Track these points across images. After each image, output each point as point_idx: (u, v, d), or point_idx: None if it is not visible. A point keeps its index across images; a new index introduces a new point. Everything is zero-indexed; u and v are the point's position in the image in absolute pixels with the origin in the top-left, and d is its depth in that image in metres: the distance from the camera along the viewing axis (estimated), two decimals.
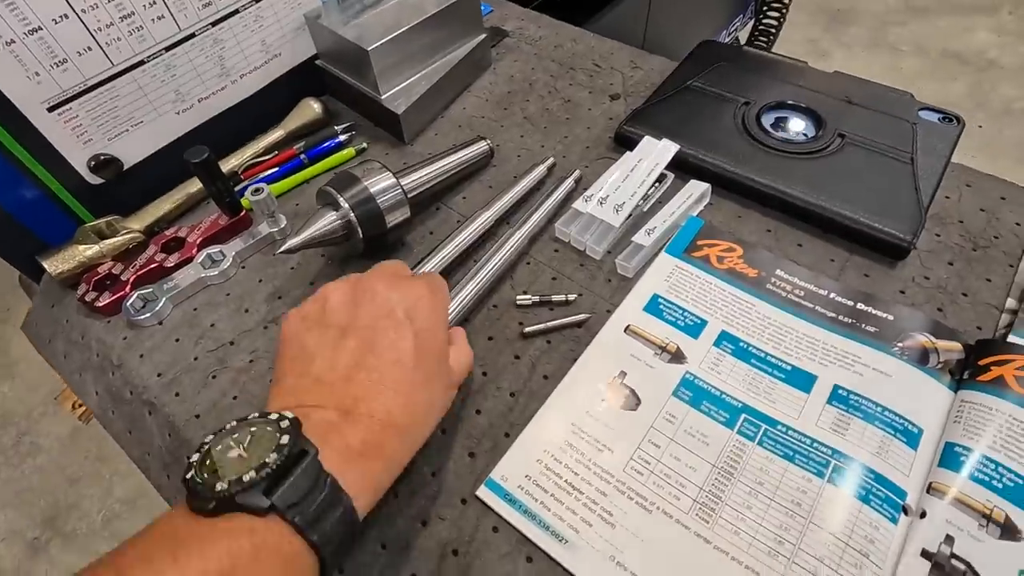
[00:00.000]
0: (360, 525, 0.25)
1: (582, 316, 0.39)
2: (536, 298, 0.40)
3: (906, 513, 0.30)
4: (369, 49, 0.47)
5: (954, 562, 0.28)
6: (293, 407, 0.26)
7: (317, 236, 0.39)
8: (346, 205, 0.40)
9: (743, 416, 0.34)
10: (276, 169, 0.49)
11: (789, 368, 0.36)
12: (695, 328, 0.38)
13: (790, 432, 0.33)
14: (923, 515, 0.30)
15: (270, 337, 0.40)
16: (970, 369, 0.34)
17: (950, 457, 0.31)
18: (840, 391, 0.34)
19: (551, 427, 0.35)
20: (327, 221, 0.40)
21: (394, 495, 0.33)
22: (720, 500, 0.31)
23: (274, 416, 0.25)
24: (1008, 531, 0.29)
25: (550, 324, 0.39)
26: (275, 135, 0.51)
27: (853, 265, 0.41)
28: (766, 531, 0.30)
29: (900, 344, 0.36)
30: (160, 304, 0.41)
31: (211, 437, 0.25)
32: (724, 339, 0.38)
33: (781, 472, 0.32)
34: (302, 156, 0.50)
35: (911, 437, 0.32)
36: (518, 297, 0.40)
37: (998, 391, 0.33)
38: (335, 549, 0.24)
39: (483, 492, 0.32)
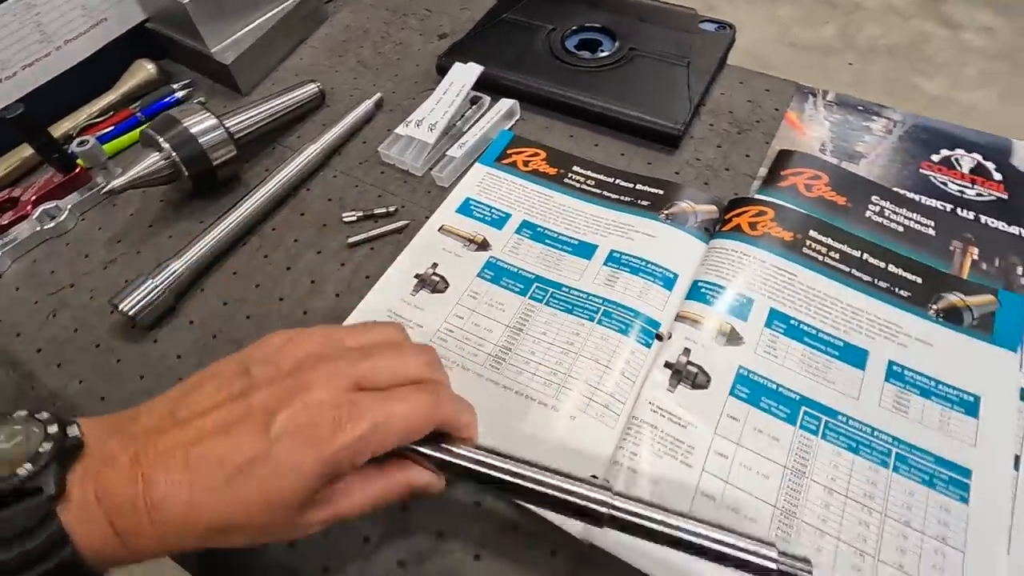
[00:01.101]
0: None
1: (401, 223, 0.43)
2: (360, 213, 0.44)
3: (660, 339, 0.36)
4: (185, 2, 0.49)
5: (689, 367, 0.34)
6: (127, 417, 0.25)
7: (142, 175, 0.42)
8: (167, 146, 0.42)
9: (535, 285, 0.39)
10: (112, 128, 0.51)
11: (576, 242, 0.41)
12: (500, 221, 0.43)
13: (571, 291, 0.39)
14: (670, 337, 0.36)
15: (110, 276, 0.42)
16: (719, 223, 0.41)
17: (695, 291, 0.38)
18: (615, 254, 0.40)
19: (369, 314, 0.39)
20: (151, 161, 0.42)
21: None
22: (510, 351, 0.36)
23: (52, 430, 0.23)
24: (733, 338, 0.35)
25: (372, 233, 0.43)
26: (109, 98, 0.52)
27: (639, 156, 0.47)
28: (544, 368, 0.35)
29: (666, 212, 0.42)
30: None
31: None
32: (524, 226, 0.43)
33: (561, 323, 0.37)
34: (139, 114, 0.52)
35: (667, 281, 0.39)
36: (344, 215, 0.44)
37: (735, 235, 0.39)
38: None
39: None
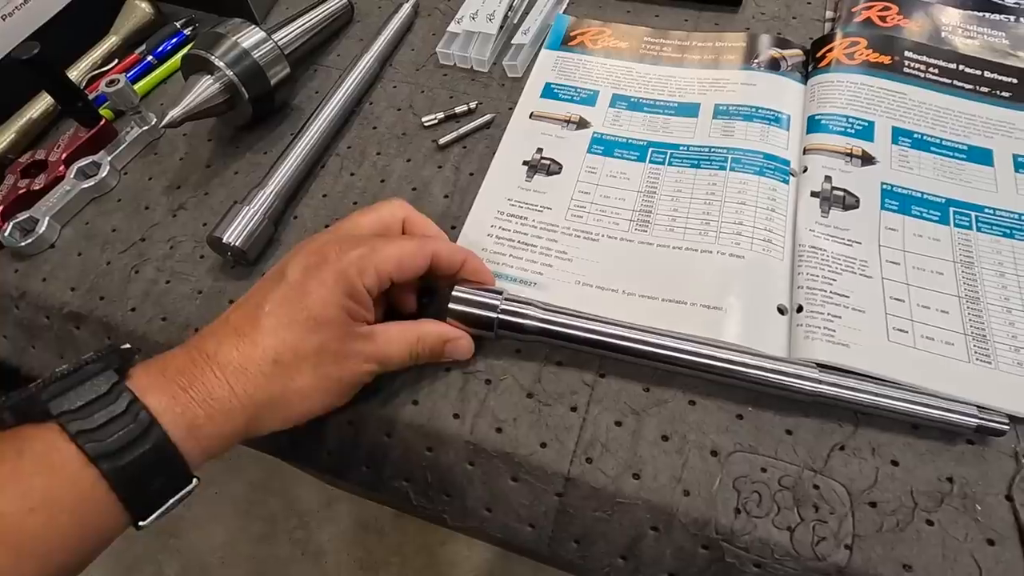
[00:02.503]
0: (171, 451, 0.22)
1: (488, 116, 0.41)
2: (441, 115, 0.41)
3: (793, 175, 0.36)
4: None
5: (835, 192, 0.35)
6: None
7: (199, 104, 0.37)
8: (221, 64, 0.38)
9: (650, 149, 0.38)
10: (125, 75, 0.45)
11: (676, 104, 0.40)
12: (590, 99, 0.41)
13: (691, 148, 0.38)
14: (805, 170, 0.36)
15: (183, 222, 0.38)
16: (812, 64, 0.41)
17: (813, 124, 0.37)
18: (720, 107, 0.39)
19: (491, 207, 0.37)
20: (205, 86, 0.38)
21: None
22: (651, 213, 0.35)
23: (108, 342, 0.26)
24: (867, 160, 0.36)
25: (460, 131, 0.40)
26: (109, 42, 0.46)
27: (704, 19, 0.46)
28: (694, 220, 0.35)
29: (756, 61, 0.41)
30: (44, 227, 0.37)
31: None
32: (617, 100, 0.41)
33: (692, 178, 0.37)
34: (149, 58, 0.46)
35: (781, 122, 0.38)
36: (424, 119, 0.41)
37: (834, 69, 0.39)
38: (126, 468, 0.21)
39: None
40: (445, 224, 0.36)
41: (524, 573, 1.08)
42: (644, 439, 0.29)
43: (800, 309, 0.31)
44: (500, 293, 0.30)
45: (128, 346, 0.25)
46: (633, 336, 0.29)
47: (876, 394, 0.27)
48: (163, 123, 0.36)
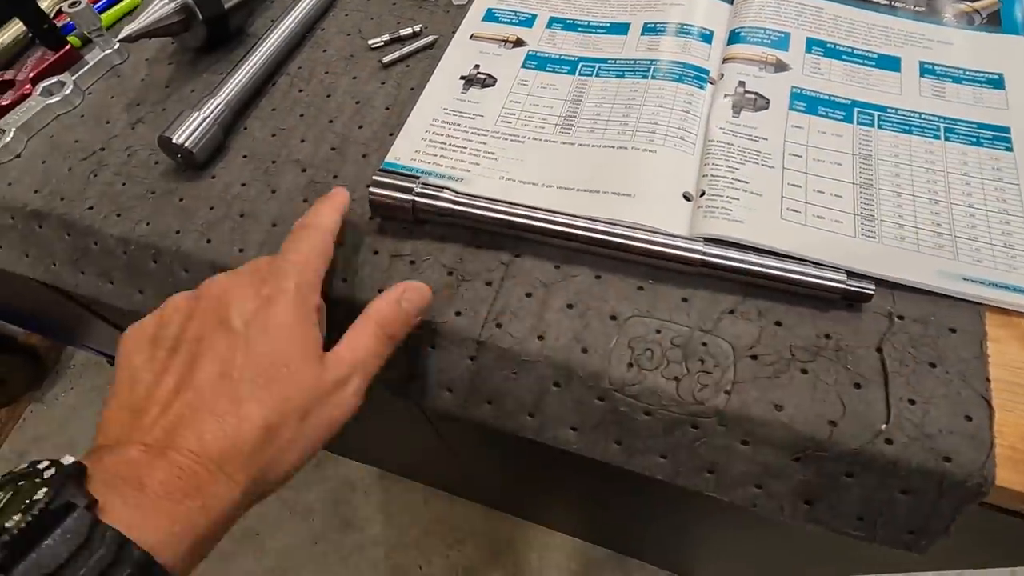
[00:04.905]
0: None
1: (431, 38, 0.43)
2: (387, 37, 0.44)
3: (712, 83, 0.38)
4: None
5: (747, 95, 0.37)
6: (101, 445, 0.22)
7: (153, 22, 0.40)
8: None
9: (580, 64, 0.40)
10: (96, 4, 0.48)
11: (608, 24, 0.42)
12: (528, 21, 0.44)
13: (619, 61, 0.40)
14: (722, 77, 0.38)
15: (140, 134, 0.40)
16: None
17: (734, 37, 0.40)
18: (648, 25, 0.41)
19: (427, 116, 0.39)
20: (160, 5, 0.40)
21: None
22: (575, 118, 0.38)
23: (42, 465, 0.19)
24: (780, 67, 0.38)
25: (404, 51, 0.43)
26: None
27: None
28: (614, 122, 0.37)
29: None
30: (9, 137, 0.40)
31: None
32: (554, 22, 0.43)
33: (616, 87, 0.39)
34: None
35: (705, 37, 0.40)
36: (371, 41, 0.44)
37: None
38: None
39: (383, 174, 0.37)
40: (384, 132, 0.39)
41: (480, 525, 1.11)
42: (551, 307, 0.31)
43: (703, 194, 0.33)
44: (417, 178, 0.32)
45: (71, 460, 0.20)
46: (543, 217, 0.32)
47: (754, 263, 0.29)
48: (119, 37, 0.39)
